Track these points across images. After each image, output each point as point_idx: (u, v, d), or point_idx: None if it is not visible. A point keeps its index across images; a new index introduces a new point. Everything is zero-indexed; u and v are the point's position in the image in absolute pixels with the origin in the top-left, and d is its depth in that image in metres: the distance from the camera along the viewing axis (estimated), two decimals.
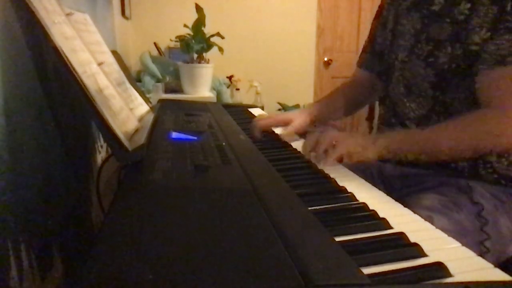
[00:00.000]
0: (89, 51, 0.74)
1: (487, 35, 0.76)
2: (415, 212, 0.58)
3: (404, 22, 0.93)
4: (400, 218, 0.55)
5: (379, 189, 0.67)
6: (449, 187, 0.83)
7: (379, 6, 1.09)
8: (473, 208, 0.79)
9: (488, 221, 0.77)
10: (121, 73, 0.95)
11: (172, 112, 1.08)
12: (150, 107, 1.06)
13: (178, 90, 2.13)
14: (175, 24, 2.17)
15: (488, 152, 0.80)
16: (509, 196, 0.82)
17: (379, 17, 1.07)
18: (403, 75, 0.92)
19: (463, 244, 0.47)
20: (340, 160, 0.77)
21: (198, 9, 1.86)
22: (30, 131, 0.57)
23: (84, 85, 0.58)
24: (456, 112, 0.84)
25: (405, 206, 0.60)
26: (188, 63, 2.00)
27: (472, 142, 0.76)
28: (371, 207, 0.57)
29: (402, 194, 0.88)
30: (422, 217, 0.56)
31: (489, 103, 0.77)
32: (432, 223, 0.56)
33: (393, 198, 0.63)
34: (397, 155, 0.80)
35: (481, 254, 0.46)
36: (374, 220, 0.53)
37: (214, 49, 1.92)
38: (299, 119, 1.01)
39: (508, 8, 0.74)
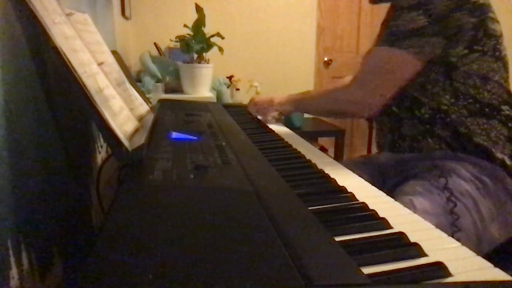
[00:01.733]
0: (89, 51, 0.74)
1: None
2: (398, 200, 0.61)
3: None
4: (400, 218, 0.55)
5: (378, 179, 0.68)
6: (434, 170, 0.90)
7: (387, 13, 1.19)
8: (454, 190, 0.85)
9: (457, 204, 0.82)
10: (121, 73, 0.95)
11: (172, 112, 1.08)
12: (150, 107, 1.06)
13: (178, 90, 2.13)
14: (175, 24, 2.18)
15: (347, 115, 1.12)
16: (491, 178, 0.88)
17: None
18: None
19: (440, 224, 0.49)
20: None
21: (198, 9, 1.86)
22: (30, 131, 0.57)
23: (84, 85, 0.58)
24: (439, 102, 0.95)
25: (393, 197, 0.63)
26: (188, 63, 2.00)
27: (330, 105, 1.06)
28: (371, 207, 0.57)
29: (396, 182, 0.98)
30: (404, 202, 0.59)
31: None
32: (413, 205, 0.66)
33: (389, 186, 0.65)
34: (296, 108, 1.20)
35: (452, 234, 0.50)
36: (374, 220, 0.53)
37: (214, 49, 1.92)
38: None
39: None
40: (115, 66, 0.93)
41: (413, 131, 0.99)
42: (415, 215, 0.57)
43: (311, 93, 1.17)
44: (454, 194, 0.83)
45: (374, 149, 1.70)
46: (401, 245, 0.47)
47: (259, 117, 1.28)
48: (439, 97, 0.94)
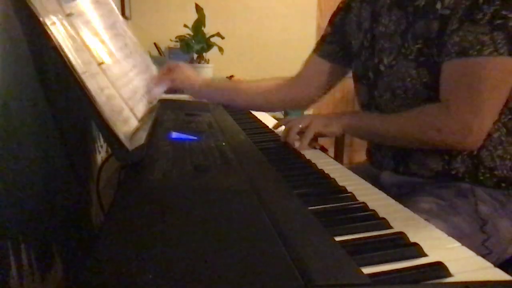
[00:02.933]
0: (89, 50, 0.74)
1: (455, 27, 0.73)
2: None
3: (385, 22, 0.87)
4: (400, 218, 0.55)
5: None
6: (448, 190, 0.82)
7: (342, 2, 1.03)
8: (471, 211, 0.78)
9: (487, 221, 0.77)
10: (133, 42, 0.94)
11: (172, 112, 1.08)
12: (150, 107, 1.06)
13: (178, 90, 2.13)
14: (175, 24, 2.18)
15: (433, 145, 0.80)
16: (509, 198, 0.81)
17: (343, 10, 1.02)
18: (390, 80, 0.86)
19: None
20: (315, 139, 0.90)
21: (198, 9, 1.87)
22: (30, 131, 0.57)
23: (84, 85, 0.58)
24: None
25: None
26: (188, 63, 2.00)
27: (415, 134, 0.80)
28: (371, 207, 0.57)
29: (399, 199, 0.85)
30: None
31: (442, 96, 0.77)
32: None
33: None
34: (357, 133, 0.92)
35: (483, 256, 0.46)
36: (374, 220, 0.53)
37: (214, 49, 1.92)
38: (186, 74, 1.14)
39: (480, 1, 0.70)
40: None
41: (419, 157, 0.85)
42: (415, 215, 0.57)
43: (380, 120, 0.86)
44: (474, 216, 0.77)
45: None
46: (401, 245, 0.47)
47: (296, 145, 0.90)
48: None
